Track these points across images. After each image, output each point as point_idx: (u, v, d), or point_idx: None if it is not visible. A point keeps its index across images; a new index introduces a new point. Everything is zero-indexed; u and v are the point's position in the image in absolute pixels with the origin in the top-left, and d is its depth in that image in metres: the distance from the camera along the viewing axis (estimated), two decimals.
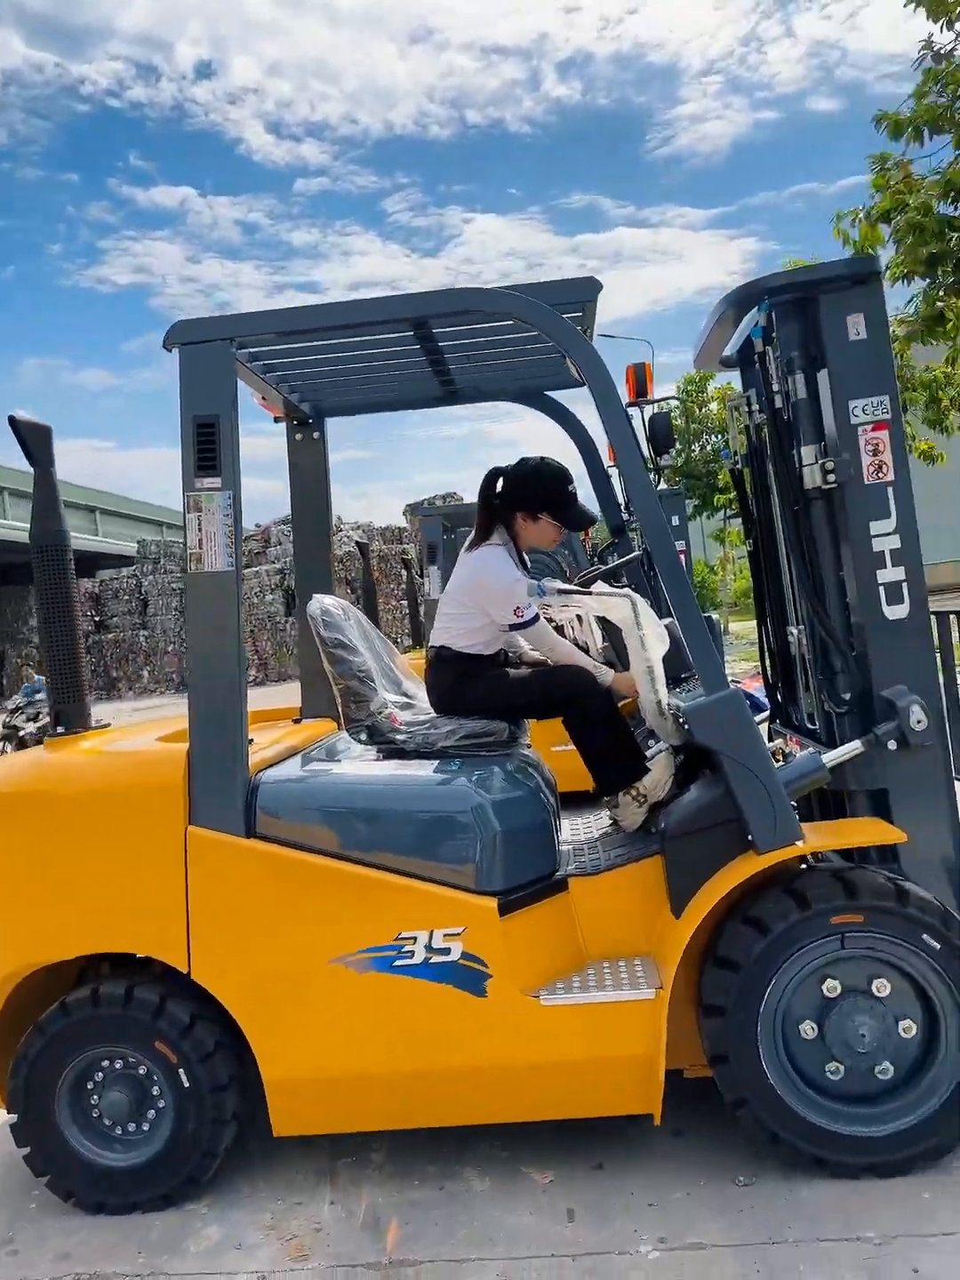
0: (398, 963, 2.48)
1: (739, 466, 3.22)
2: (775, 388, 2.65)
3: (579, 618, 4.64)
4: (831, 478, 2.56)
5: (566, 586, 2.78)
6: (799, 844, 2.39)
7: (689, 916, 2.42)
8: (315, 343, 3.05)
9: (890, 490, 2.56)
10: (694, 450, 24.84)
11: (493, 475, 3.03)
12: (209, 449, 2.57)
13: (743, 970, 2.37)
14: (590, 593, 2.70)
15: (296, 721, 3.61)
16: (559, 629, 6.92)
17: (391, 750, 2.88)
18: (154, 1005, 2.50)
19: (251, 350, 2.93)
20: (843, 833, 2.59)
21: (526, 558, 3.10)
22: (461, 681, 2.95)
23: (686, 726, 2.48)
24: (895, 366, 12.38)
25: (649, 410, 2.53)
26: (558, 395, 3.49)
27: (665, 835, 2.55)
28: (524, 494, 2.94)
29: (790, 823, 2.39)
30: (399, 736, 2.86)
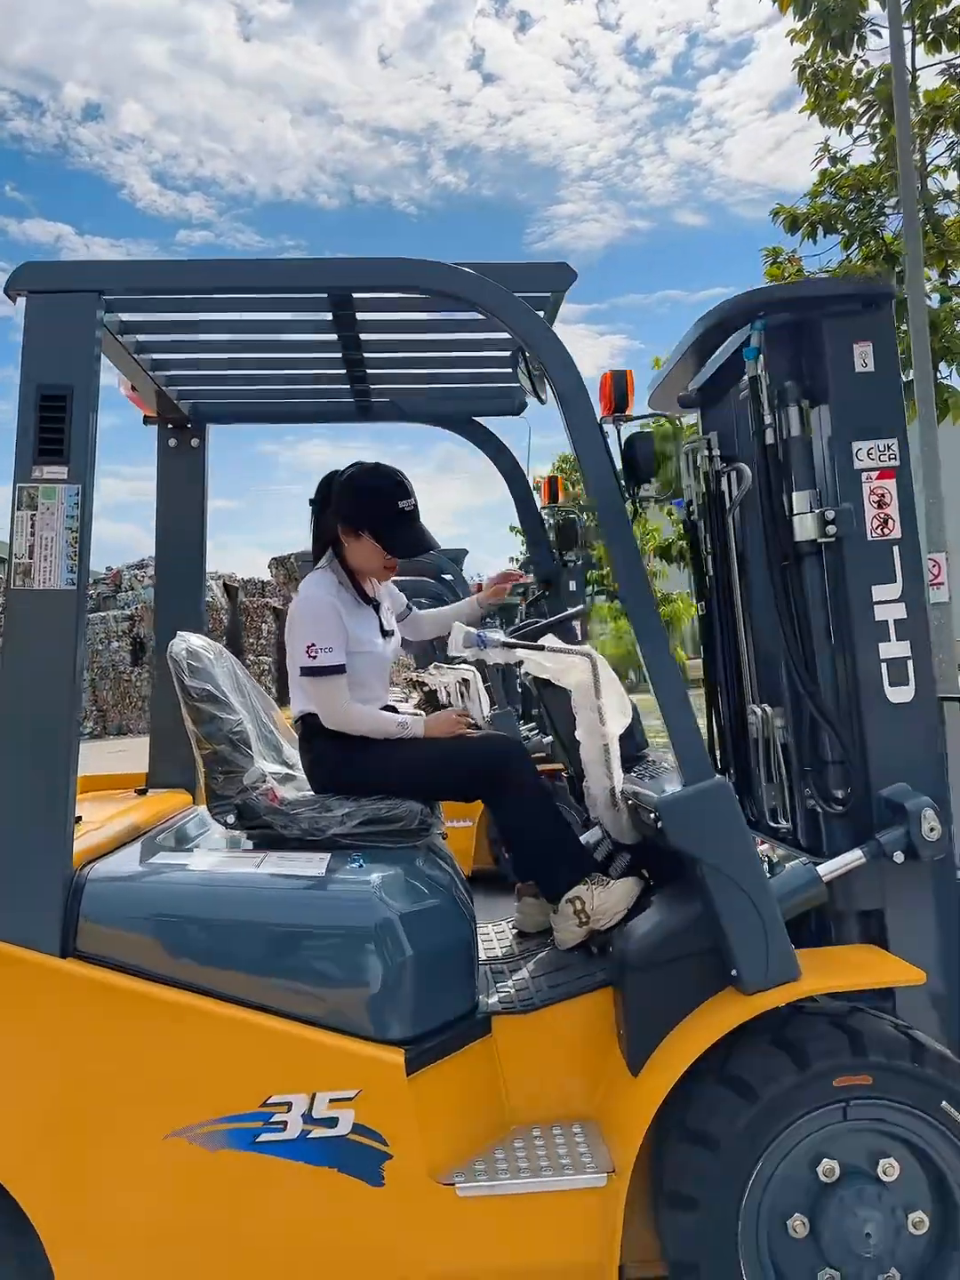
0: (263, 1137, 1.82)
1: (694, 518, 2.79)
2: (766, 421, 2.22)
3: (465, 683, 4.06)
4: (831, 529, 2.14)
5: (513, 640, 2.23)
6: (798, 982, 1.88)
7: (655, 1076, 1.87)
8: (206, 326, 2.49)
9: (896, 549, 2.16)
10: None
11: (326, 481, 2.47)
12: (56, 428, 1.93)
13: (722, 1149, 1.82)
14: (543, 647, 2.16)
15: (141, 792, 2.89)
16: (432, 695, 5.35)
17: (267, 838, 2.23)
18: None
19: (124, 319, 2.32)
20: (846, 969, 2.03)
21: (368, 588, 2.47)
22: (348, 754, 2.33)
23: (658, 823, 1.95)
24: None
25: (627, 429, 2.05)
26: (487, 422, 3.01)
27: (624, 966, 2.00)
28: (346, 507, 2.38)
29: (788, 956, 1.89)
30: (279, 820, 2.21)
